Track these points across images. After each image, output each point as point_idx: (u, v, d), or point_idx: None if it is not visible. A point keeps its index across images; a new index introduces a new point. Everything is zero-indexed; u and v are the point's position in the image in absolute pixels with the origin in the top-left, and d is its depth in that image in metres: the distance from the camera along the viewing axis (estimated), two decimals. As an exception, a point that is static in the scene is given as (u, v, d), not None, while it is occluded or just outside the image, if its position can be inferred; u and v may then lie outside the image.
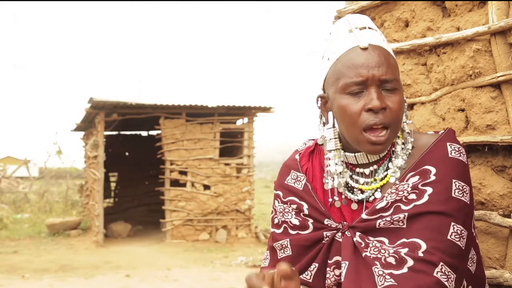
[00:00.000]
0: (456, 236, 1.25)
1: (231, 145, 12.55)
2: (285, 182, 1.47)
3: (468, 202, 1.29)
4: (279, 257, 1.44)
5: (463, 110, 1.72)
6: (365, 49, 1.28)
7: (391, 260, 1.24)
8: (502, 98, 1.59)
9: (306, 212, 1.40)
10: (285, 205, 1.45)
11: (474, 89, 1.65)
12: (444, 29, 1.77)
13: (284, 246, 1.43)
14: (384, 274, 1.23)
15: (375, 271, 1.25)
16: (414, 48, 1.84)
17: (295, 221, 1.41)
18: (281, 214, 1.45)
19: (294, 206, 1.43)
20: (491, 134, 1.61)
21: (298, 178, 1.46)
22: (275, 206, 1.48)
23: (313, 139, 1.54)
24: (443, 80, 1.77)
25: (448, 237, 1.24)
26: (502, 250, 1.60)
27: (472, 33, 1.63)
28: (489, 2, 1.60)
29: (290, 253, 1.41)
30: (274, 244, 1.45)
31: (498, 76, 1.56)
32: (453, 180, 1.28)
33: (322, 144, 1.45)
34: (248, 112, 12.49)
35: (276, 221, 1.47)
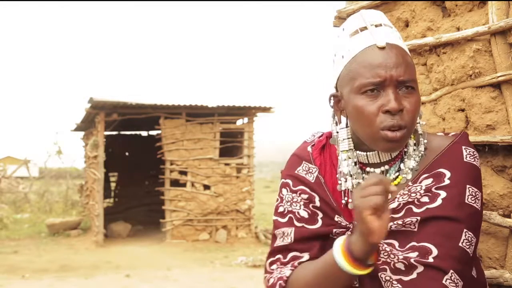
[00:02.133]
0: (467, 244, 1.23)
1: (231, 145, 12.55)
2: (296, 172, 1.41)
3: (479, 209, 1.27)
4: (276, 245, 1.37)
5: (463, 110, 1.71)
6: (382, 48, 1.23)
7: (400, 266, 1.21)
8: (502, 98, 1.59)
9: (317, 204, 1.35)
10: (294, 194, 1.38)
11: (474, 89, 1.65)
12: (444, 29, 1.76)
13: (286, 234, 1.36)
14: (391, 280, 1.21)
15: (382, 277, 1.23)
16: (414, 48, 1.84)
17: (304, 213, 1.35)
18: (288, 204, 1.38)
19: (305, 196, 1.36)
20: (491, 134, 1.61)
21: (310, 170, 1.40)
22: (282, 195, 1.41)
23: (321, 133, 1.49)
24: (443, 80, 1.77)
25: (460, 244, 1.21)
26: (502, 250, 1.60)
27: (472, 33, 1.62)
28: (489, 2, 1.60)
29: (290, 241, 1.35)
30: (275, 232, 1.39)
31: (498, 76, 1.56)
32: (467, 186, 1.26)
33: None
34: (248, 112, 12.50)
35: (281, 209, 1.39)
